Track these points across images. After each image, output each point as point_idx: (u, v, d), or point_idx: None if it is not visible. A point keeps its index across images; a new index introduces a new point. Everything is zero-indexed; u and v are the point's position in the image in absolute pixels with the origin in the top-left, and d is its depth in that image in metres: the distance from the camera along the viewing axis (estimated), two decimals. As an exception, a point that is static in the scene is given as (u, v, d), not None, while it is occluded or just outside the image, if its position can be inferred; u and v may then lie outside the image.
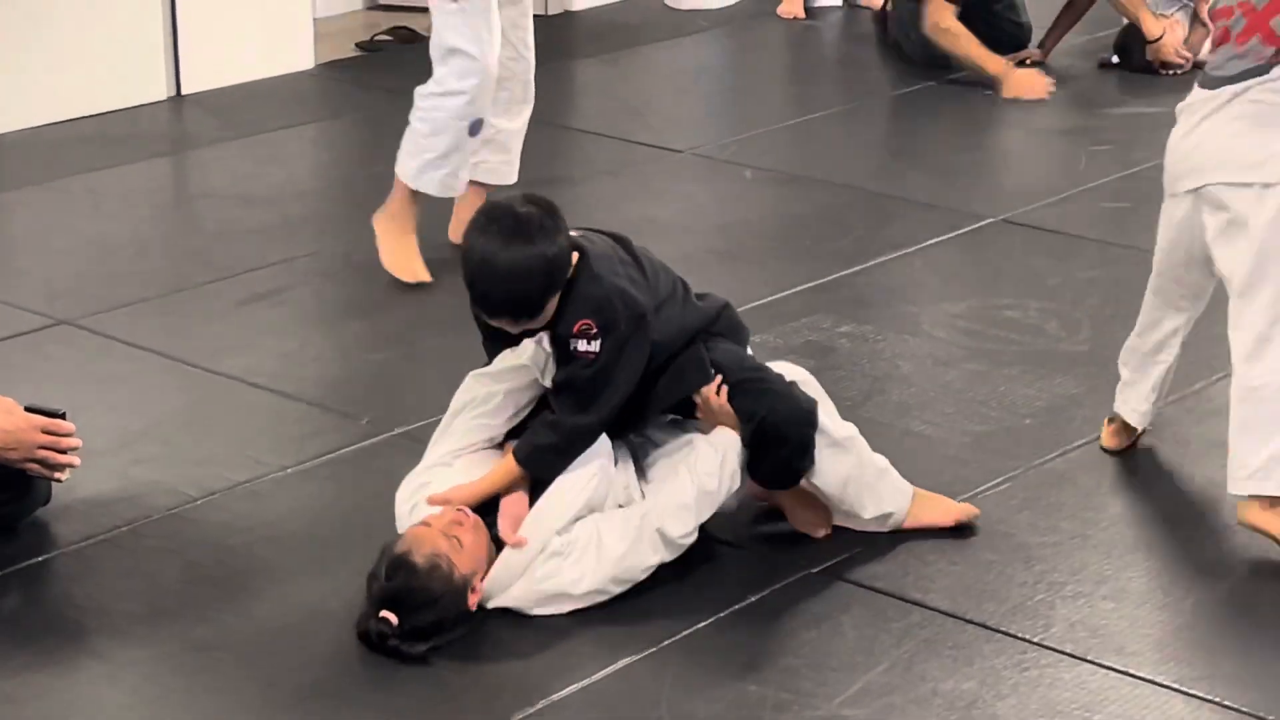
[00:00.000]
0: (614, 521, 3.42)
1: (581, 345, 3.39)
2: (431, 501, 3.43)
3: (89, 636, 3.40)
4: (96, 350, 4.58)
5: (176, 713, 3.20)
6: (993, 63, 6.62)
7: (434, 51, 4.93)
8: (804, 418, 3.54)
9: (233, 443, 4.10)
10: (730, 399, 3.50)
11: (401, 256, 4.92)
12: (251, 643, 3.37)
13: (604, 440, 3.48)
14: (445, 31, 4.87)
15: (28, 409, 3.65)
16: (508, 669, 3.31)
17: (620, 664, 3.29)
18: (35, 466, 3.65)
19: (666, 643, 3.34)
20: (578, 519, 3.41)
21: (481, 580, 3.37)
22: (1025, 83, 6.56)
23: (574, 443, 3.44)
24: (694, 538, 3.48)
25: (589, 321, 3.37)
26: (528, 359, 3.50)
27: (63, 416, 3.68)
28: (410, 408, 4.16)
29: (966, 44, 6.66)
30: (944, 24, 6.70)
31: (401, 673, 3.27)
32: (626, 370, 3.43)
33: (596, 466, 3.44)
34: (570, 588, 3.38)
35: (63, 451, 3.65)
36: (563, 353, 3.43)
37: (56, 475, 3.69)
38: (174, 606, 3.48)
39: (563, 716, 3.17)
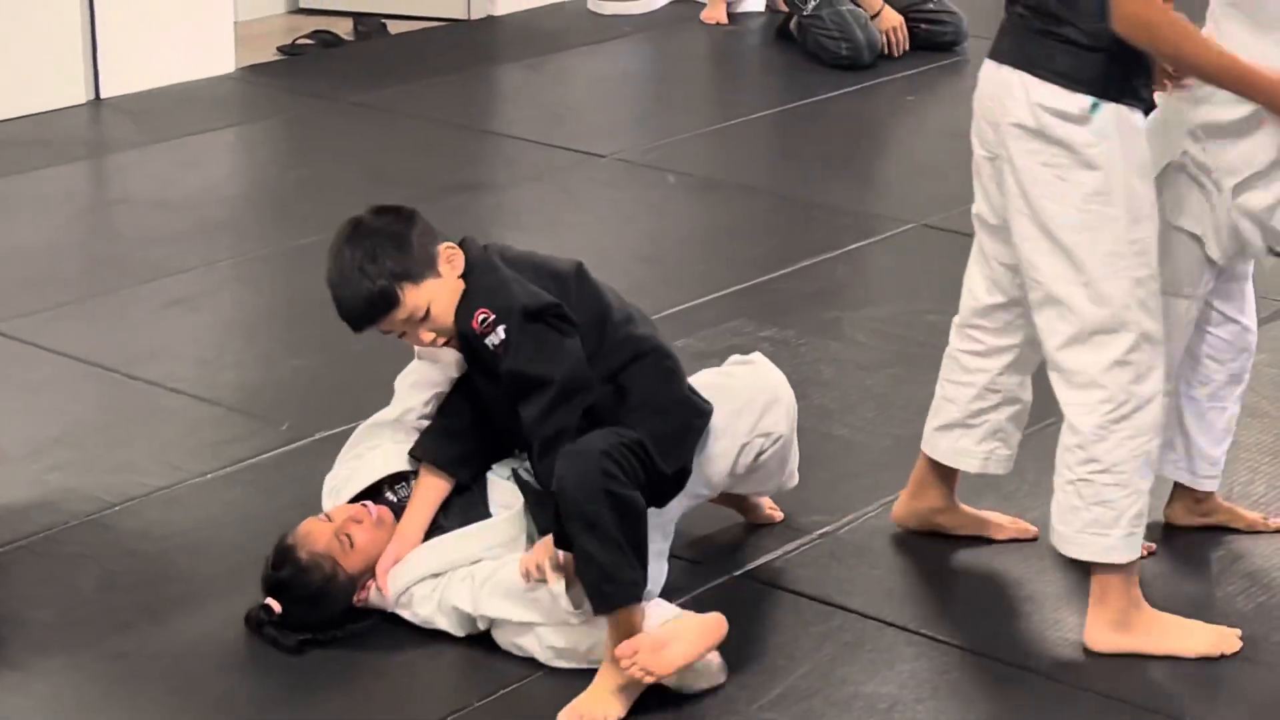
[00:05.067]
0: (458, 587, 3.32)
1: (492, 340, 3.26)
2: (380, 568, 3.36)
3: (3, 645, 3.36)
4: (12, 356, 4.53)
5: (92, 721, 3.18)
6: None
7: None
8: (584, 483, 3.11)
9: (151, 449, 4.07)
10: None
11: None
12: (168, 651, 3.34)
13: (516, 523, 3.37)
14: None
15: None
16: (429, 679, 3.30)
17: (540, 671, 3.28)
18: None
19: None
20: (447, 571, 3.35)
21: (373, 582, 3.37)
22: None
23: (544, 446, 3.22)
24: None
25: (485, 311, 3.25)
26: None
27: None
28: (330, 413, 4.13)
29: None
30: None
31: (319, 681, 3.26)
32: (550, 349, 3.23)
33: (499, 537, 3.35)
34: (452, 631, 3.35)
35: None
36: (486, 360, 3.30)
37: None
38: (90, 614, 3.45)
39: (483, 722, 3.17)
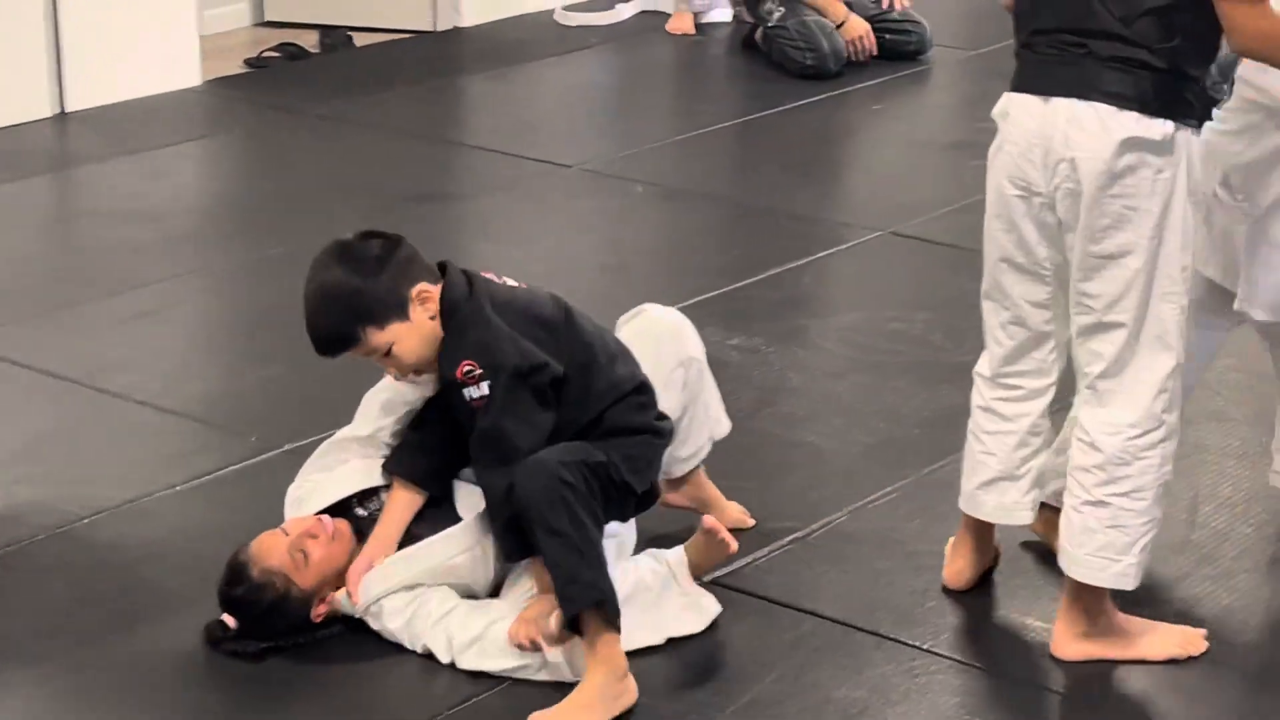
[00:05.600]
0: (433, 632, 3.32)
1: (472, 393, 3.25)
2: (351, 575, 3.35)
3: (-29, 658, 3.36)
4: (-21, 369, 4.52)
5: (62, 734, 3.17)
6: None
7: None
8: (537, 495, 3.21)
9: (118, 461, 4.06)
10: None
11: None
12: (138, 663, 3.33)
13: (481, 525, 3.37)
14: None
15: None
16: (398, 687, 3.29)
17: (516, 677, 3.28)
18: None
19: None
20: (419, 585, 3.35)
21: (336, 590, 3.36)
22: None
23: (497, 508, 3.30)
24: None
25: (471, 363, 3.25)
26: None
27: None
28: (298, 424, 4.13)
29: None
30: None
31: (287, 691, 3.26)
32: (529, 419, 3.27)
33: (465, 542, 3.36)
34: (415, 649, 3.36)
35: None
36: (459, 406, 3.30)
37: None
38: (60, 627, 3.44)
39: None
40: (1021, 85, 3.24)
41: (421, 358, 3.31)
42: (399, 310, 3.27)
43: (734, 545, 3.46)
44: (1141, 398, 3.22)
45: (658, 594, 3.38)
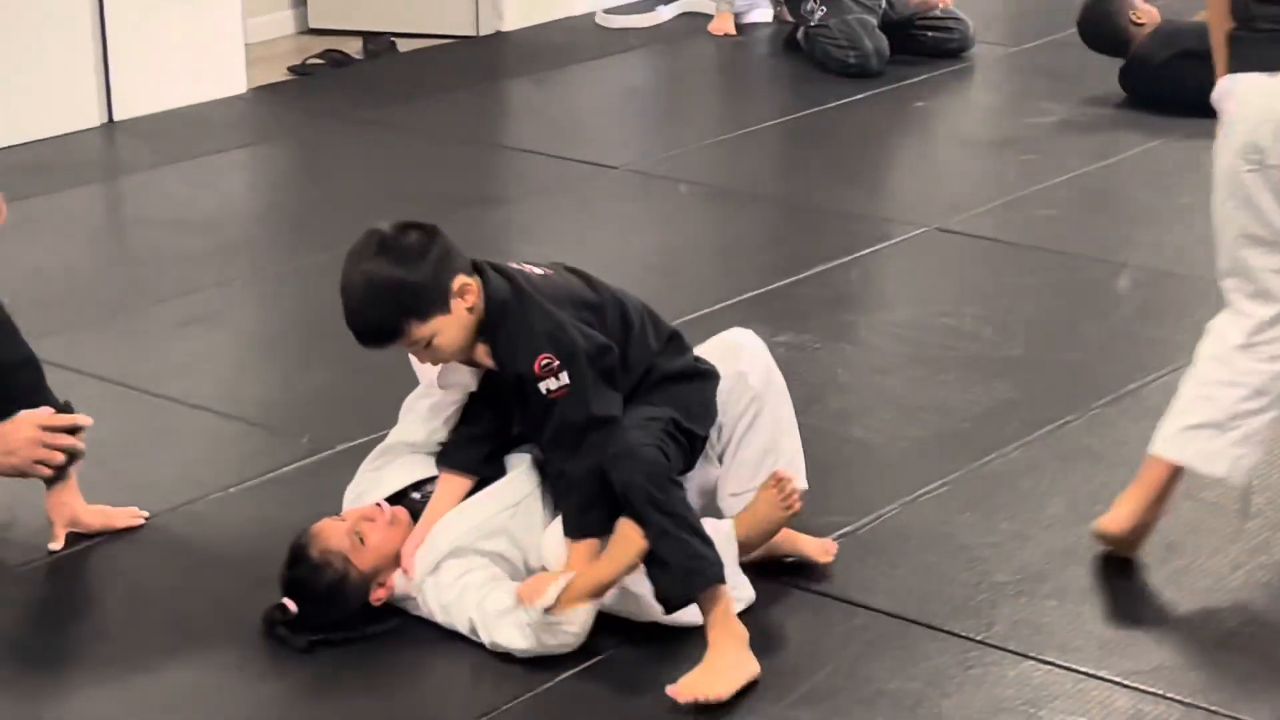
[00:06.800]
0: (468, 598, 3.34)
1: (551, 385, 3.29)
2: (405, 551, 3.38)
3: (35, 661, 3.38)
4: (34, 376, 4.56)
5: (124, 733, 3.20)
6: None
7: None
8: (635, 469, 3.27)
9: (173, 464, 4.10)
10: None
11: None
12: (197, 665, 3.36)
13: (527, 478, 3.42)
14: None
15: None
16: (455, 681, 3.32)
17: (567, 674, 3.30)
18: (39, 468, 3.65)
19: (612, 651, 3.34)
20: (467, 550, 3.37)
21: (393, 577, 3.39)
22: None
23: (577, 489, 3.33)
24: (529, 645, 3.29)
25: (549, 356, 3.29)
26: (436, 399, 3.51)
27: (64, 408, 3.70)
28: (351, 425, 4.16)
29: None
30: None
31: (343, 685, 3.29)
32: (608, 398, 3.34)
33: (510, 499, 3.40)
34: (467, 634, 3.37)
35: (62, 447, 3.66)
36: (533, 398, 3.33)
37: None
38: (118, 630, 3.48)
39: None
40: (1245, 65, 3.31)
41: (460, 349, 3.35)
42: (441, 303, 3.30)
43: (797, 505, 3.47)
44: None
45: None
